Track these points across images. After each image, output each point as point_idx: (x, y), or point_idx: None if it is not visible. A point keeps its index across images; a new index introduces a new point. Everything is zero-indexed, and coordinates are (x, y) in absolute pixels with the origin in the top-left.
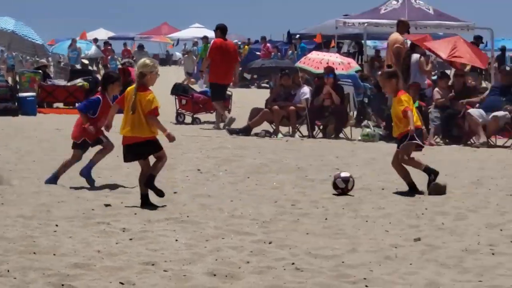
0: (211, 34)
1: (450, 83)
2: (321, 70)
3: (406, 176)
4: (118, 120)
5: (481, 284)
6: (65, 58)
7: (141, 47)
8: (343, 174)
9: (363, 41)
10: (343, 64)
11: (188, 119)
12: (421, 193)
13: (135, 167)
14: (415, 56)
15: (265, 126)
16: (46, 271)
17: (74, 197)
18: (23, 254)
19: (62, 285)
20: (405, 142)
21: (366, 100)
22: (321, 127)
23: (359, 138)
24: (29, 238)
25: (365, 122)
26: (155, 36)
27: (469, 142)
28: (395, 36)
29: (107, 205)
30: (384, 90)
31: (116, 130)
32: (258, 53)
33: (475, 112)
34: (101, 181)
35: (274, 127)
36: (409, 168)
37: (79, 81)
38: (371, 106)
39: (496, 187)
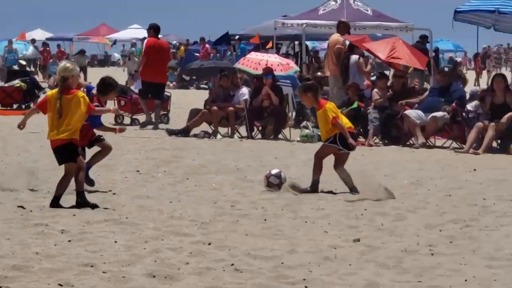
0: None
1: (389, 83)
2: (259, 72)
3: (316, 171)
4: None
5: (420, 285)
6: (2, 59)
7: (82, 52)
8: (273, 171)
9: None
10: (282, 65)
11: (127, 120)
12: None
13: None
14: (354, 57)
15: (204, 127)
16: None
17: (11, 199)
18: None
19: (0, 287)
20: (327, 142)
21: None
22: (260, 128)
23: (298, 139)
24: None
25: (304, 123)
26: (93, 37)
27: (408, 143)
28: (336, 37)
29: (19, 206)
30: (303, 103)
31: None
32: (196, 54)
33: (413, 113)
34: (39, 183)
35: (213, 128)
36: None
37: (16, 82)
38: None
39: (435, 188)
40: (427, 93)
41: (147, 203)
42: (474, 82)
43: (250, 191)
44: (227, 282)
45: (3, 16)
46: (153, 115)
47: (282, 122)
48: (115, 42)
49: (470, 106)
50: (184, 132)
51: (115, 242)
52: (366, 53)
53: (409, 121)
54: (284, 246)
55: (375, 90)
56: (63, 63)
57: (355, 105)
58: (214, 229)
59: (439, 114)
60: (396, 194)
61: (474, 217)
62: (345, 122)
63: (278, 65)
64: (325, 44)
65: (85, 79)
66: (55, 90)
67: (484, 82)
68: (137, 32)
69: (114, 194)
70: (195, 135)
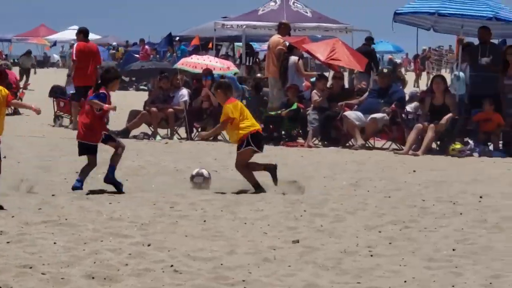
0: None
1: (328, 85)
2: (199, 70)
3: (249, 177)
4: None
5: (359, 286)
6: None
7: (28, 52)
8: (194, 172)
9: (240, 43)
10: (222, 68)
11: (66, 121)
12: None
13: (10, 170)
14: (293, 59)
15: (144, 128)
16: None
17: None
18: None
19: None
20: (242, 149)
21: (244, 102)
22: (199, 129)
23: None
24: None
25: None
26: (32, 38)
27: (347, 144)
28: (277, 38)
29: None
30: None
31: None
32: (136, 55)
33: (352, 115)
34: None
35: (152, 129)
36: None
37: None
38: (249, 108)
39: (374, 189)
40: (366, 94)
41: (86, 205)
42: (414, 83)
43: (190, 193)
44: (166, 283)
45: None
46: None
47: None
48: (55, 43)
49: (409, 108)
50: (124, 134)
51: (54, 243)
52: (305, 54)
53: (348, 122)
54: (223, 247)
55: (314, 91)
56: None
57: (294, 106)
58: (153, 230)
59: (378, 115)
60: (336, 196)
61: (413, 218)
62: (251, 123)
63: (220, 69)
64: (264, 46)
65: (27, 80)
66: None
67: (423, 84)
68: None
69: (53, 195)
70: (135, 137)
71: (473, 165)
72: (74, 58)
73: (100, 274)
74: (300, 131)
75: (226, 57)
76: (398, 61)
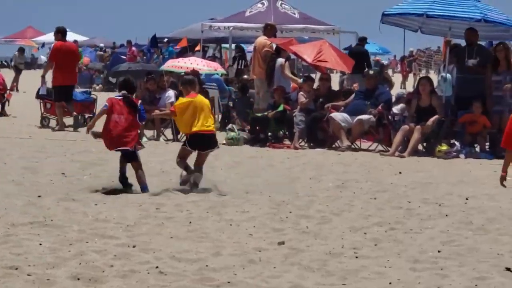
0: (79, 38)
1: (315, 86)
2: (185, 70)
3: (181, 166)
4: None
5: (344, 287)
6: None
7: (21, 50)
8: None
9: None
10: (210, 71)
11: (53, 122)
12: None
13: None
14: (279, 60)
15: None
16: None
17: None
18: None
19: None
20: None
21: (231, 103)
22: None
23: (224, 141)
24: None
25: (229, 126)
26: (19, 40)
27: (333, 146)
28: (263, 40)
29: None
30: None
31: None
32: (123, 56)
33: (338, 116)
34: None
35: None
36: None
37: None
38: (236, 109)
39: (360, 191)
40: (352, 96)
41: (72, 206)
42: (401, 85)
43: (175, 194)
44: (152, 284)
45: None
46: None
47: None
48: (43, 45)
49: (396, 109)
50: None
51: (40, 244)
52: (292, 56)
53: (334, 124)
54: (208, 249)
55: (301, 93)
56: None
57: (281, 108)
58: (139, 231)
59: (364, 117)
60: (321, 197)
61: (399, 220)
62: (195, 125)
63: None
64: (251, 47)
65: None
66: None
67: (410, 85)
68: None
69: (39, 196)
70: None
71: (459, 167)
72: (51, 58)
73: (86, 275)
74: (287, 132)
75: (213, 58)
76: (385, 62)
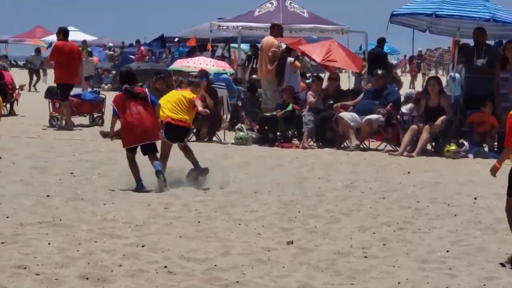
0: (88, 37)
1: (324, 86)
2: (194, 69)
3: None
4: None
5: (353, 287)
6: None
7: (38, 50)
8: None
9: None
10: (218, 69)
11: (62, 122)
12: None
13: (5, 171)
14: (289, 60)
15: None
16: None
17: None
18: None
19: None
20: None
21: (239, 103)
22: (194, 130)
23: (233, 141)
24: None
25: (238, 126)
26: (28, 39)
27: (342, 146)
28: (271, 40)
29: None
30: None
31: None
32: (132, 56)
33: (347, 116)
34: None
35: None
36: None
37: None
38: (245, 109)
39: (369, 190)
40: (361, 95)
41: (81, 205)
42: (409, 84)
43: (184, 194)
44: (160, 284)
45: None
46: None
47: (217, 125)
48: (50, 44)
49: (404, 109)
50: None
51: (49, 244)
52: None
53: (343, 123)
54: (217, 249)
55: (310, 92)
56: None
57: (289, 107)
58: (147, 231)
59: (373, 116)
60: (330, 197)
61: (408, 220)
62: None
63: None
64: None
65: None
66: None
67: (419, 85)
68: (73, 34)
69: (48, 196)
70: None
71: (468, 167)
72: (51, 56)
73: (94, 275)
74: (295, 132)
75: (222, 58)
76: (394, 62)
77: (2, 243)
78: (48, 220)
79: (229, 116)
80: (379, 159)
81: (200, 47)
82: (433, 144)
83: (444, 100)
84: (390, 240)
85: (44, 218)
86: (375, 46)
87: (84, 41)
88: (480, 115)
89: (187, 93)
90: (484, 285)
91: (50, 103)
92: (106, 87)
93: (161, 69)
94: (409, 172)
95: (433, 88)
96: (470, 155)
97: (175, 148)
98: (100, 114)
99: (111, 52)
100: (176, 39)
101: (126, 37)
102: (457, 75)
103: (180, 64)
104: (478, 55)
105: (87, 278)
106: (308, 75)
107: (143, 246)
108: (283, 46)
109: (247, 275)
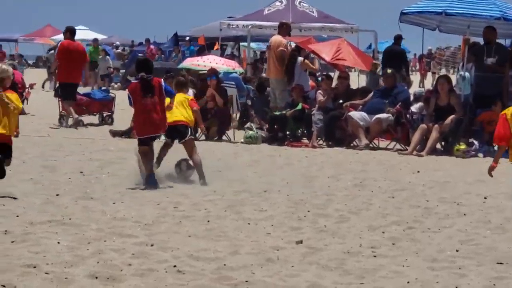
0: (98, 36)
1: (334, 85)
2: (203, 68)
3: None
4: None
5: (362, 286)
6: None
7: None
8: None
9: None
10: (228, 68)
11: (71, 121)
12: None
13: (15, 170)
14: (299, 59)
15: None
16: None
17: None
18: None
19: None
20: None
21: (249, 102)
22: (204, 129)
23: (242, 140)
24: None
25: (248, 125)
26: (38, 38)
27: (351, 145)
28: (279, 39)
29: None
30: None
31: None
32: (141, 55)
33: (356, 115)
34: None
35: None
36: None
37: None
38: (254, 108)
39: (378, 189)
40: (371, 94)
41: (90, 204)
42: (419, 83)
43: (193, 193)
44: (170, 283)
45: None
46: (73, 113)
47: (226, 124)
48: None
49: (414, 108)
50: (128, 134)
51: (58, 243)
52: (311, 55)
53: (352, 122)
54: (226, 248)
55: (319, 91)
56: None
57: (299, 106)
58: (157, 230)
59: (383, 116)
60: (340, 196)
61: (417, 219)
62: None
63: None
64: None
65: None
66: None
67: (429, 84)
68: (83, 33)
69: (57, 195)
70: None
71: (478, 166)
72: (57, 55)
73: (104, 274)
74: (305, 131)
75: (231, 57)
76: None
77: (12, 242)
78: (57, 219)
79: (238, 115)
80: (389, 158)
81: (209, 46)
82: (443, 143)
83: (454, 99)
84: (399, 240)
85: (53, 217)
86: (392, 44)
87: (96, 40)
88: (490, 114)
89: (187, 96)
90: (494, 284)
91: (60, 102)
92: (115, 86)
93: (171, 68)
94: (418, 171)
95: (443, 87)
96: (480, 154)
97: (175, 148)
98: (109, 113)
99: (120, 51)
100: (187, 38)
101: (136, 36)
102: (467, 74)
103: (190, 62)
104: (488, 54)
105: (96, 277)
106: (317, 74)
107: (152, 245)
108: (293, 45)
109: (256, 274)
